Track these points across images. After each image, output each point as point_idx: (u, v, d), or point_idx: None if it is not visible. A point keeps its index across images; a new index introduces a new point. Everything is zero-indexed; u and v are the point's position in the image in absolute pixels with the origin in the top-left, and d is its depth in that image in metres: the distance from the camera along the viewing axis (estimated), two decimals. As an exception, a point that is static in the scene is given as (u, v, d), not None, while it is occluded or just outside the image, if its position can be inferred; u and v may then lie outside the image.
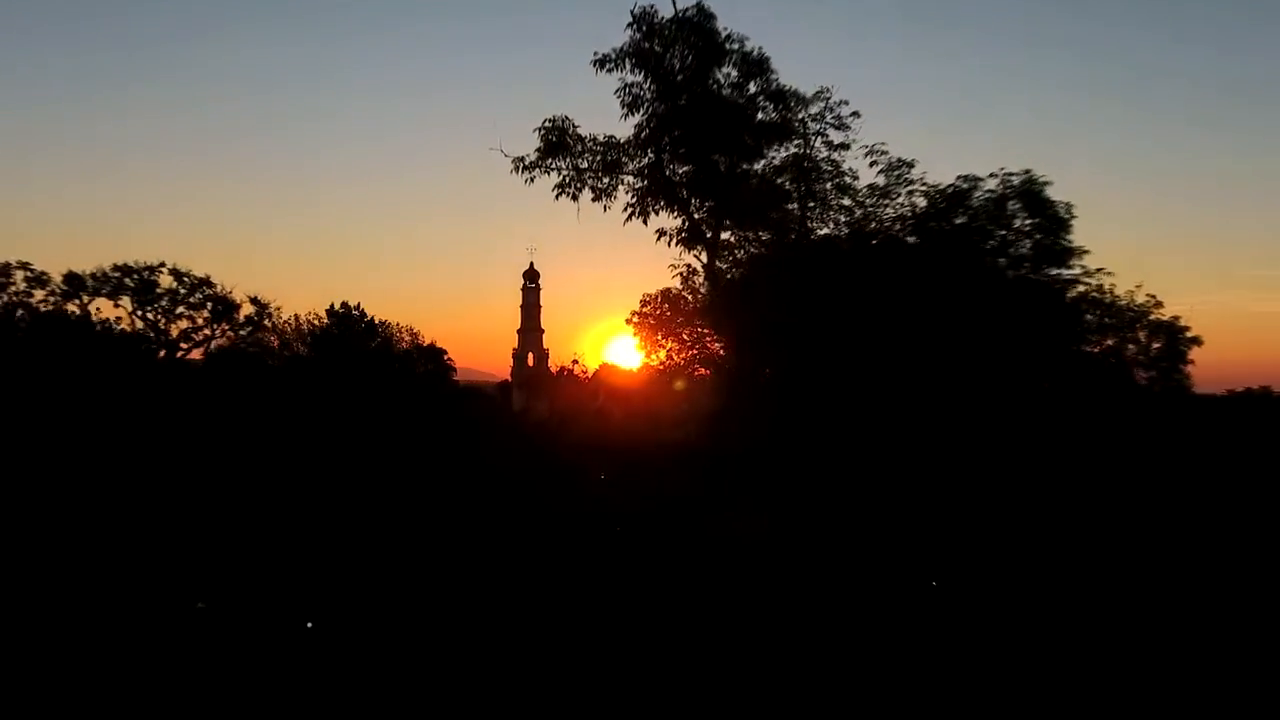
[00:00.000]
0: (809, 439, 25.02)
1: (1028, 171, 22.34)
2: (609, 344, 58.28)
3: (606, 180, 21.85)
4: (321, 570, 21.57)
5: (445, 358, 54.43)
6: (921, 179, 22.94)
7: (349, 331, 48.83)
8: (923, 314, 23.15)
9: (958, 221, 23.28)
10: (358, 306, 48.66)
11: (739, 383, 29.58)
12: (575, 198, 21.57)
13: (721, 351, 35.41)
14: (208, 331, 35.93)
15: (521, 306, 71.11)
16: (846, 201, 24.65)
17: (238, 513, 26.59)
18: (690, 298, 41.26)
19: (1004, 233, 22.99)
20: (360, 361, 46.95)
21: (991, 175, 22.83)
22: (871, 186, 23.20)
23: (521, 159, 21.47)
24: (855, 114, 23.02)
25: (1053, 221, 22.64)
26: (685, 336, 39.48)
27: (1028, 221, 22.87)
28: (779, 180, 22.34)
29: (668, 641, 16.74)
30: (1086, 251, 22.53)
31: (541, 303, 71.17)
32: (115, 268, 34.03)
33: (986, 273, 23.75)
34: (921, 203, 23.23)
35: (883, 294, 23.59)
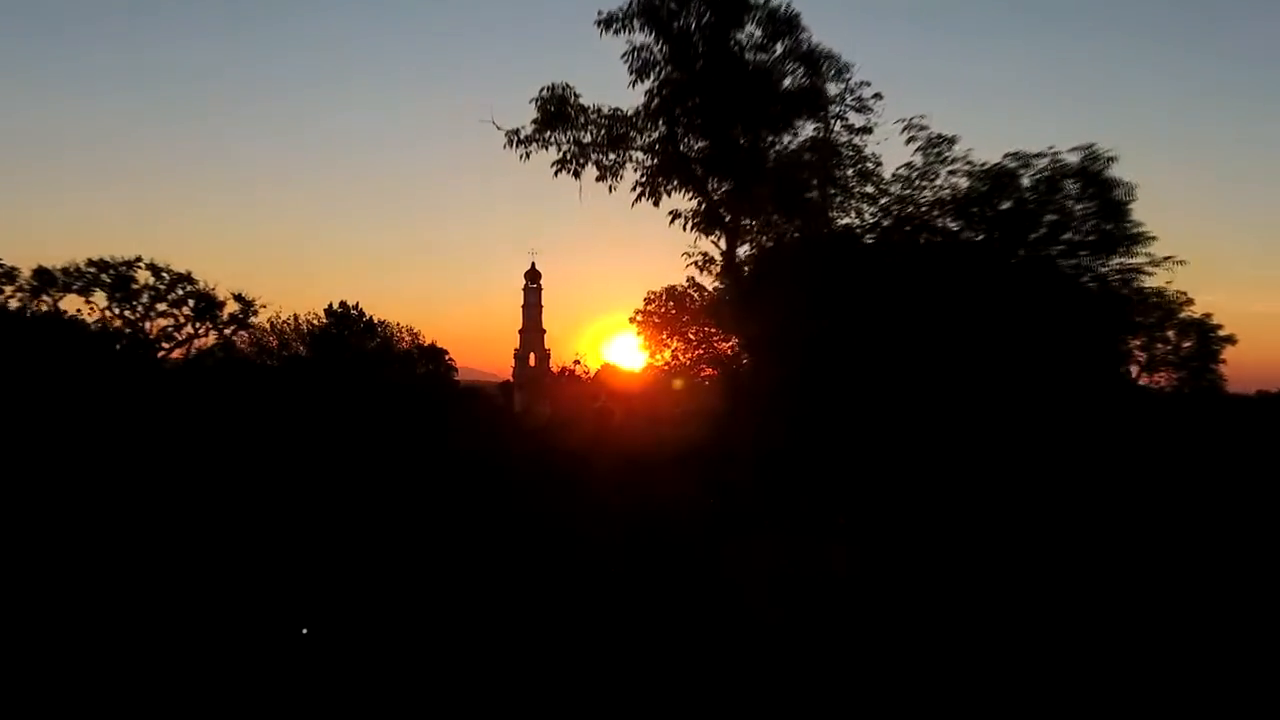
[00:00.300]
0: (835, 446, 21.52)
1: (1090, 146, 18.71)
2: (612, 340, 55.83)
3: (613, 156, 18.17)
4: (316, 575, 20.53)
5: (446, 358, 52.11)
6: (965, 157, 19.37)
7: (348, 331, 46.59)
8: (961, 310, 19.73)
9: (1004, 206, 19.79)
10: (356, 306, 46.29)
11: (753, 384, 26.14)
12: (577, 174, 17.87)
13: (730, 351, 32.39)
14: (190, 330, 32.44)
15: (523, 307, 68.08)
16: (870, 189, 21.23)
17: (228, 517, 24.54)
18: (696, 296, 37.87)
19: (1054, 217, 19.45)
20: (359, 361, 44.63)
21: (1039, 155, 19.31)
22: (908, 166, 19.62)
23: (516, 132, 17.79)
24: (877, 96, 19.52)
25: (1108, 205, 19.10)
26: (691, 336, 36.26)
27: (1079, 206, 19.34)
28: (806, 157, 18.72)
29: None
30: (1152, 238, 18.92)
31: (543, 303, 68.11)
32: (90, 263, 30.59)
33: (1033, 264, 20.28)
34: (964, 184, 19.69)
35: (916, 287, 20.19)
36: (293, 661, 16.07)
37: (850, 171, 20.86)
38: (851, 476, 21.56)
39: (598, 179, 18.59)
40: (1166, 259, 18.95)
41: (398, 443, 35.01)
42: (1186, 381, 32.53)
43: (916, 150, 19.47)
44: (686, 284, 36.73)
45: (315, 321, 44.35)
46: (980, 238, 20.04)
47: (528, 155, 17.98)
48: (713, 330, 35.57)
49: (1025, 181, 19.16)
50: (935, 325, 19.89)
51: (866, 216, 21.74)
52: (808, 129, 19.28)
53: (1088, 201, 19.02)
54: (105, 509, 24.08)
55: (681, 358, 36.19)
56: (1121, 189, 18.86)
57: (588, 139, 18.02)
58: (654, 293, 36.38)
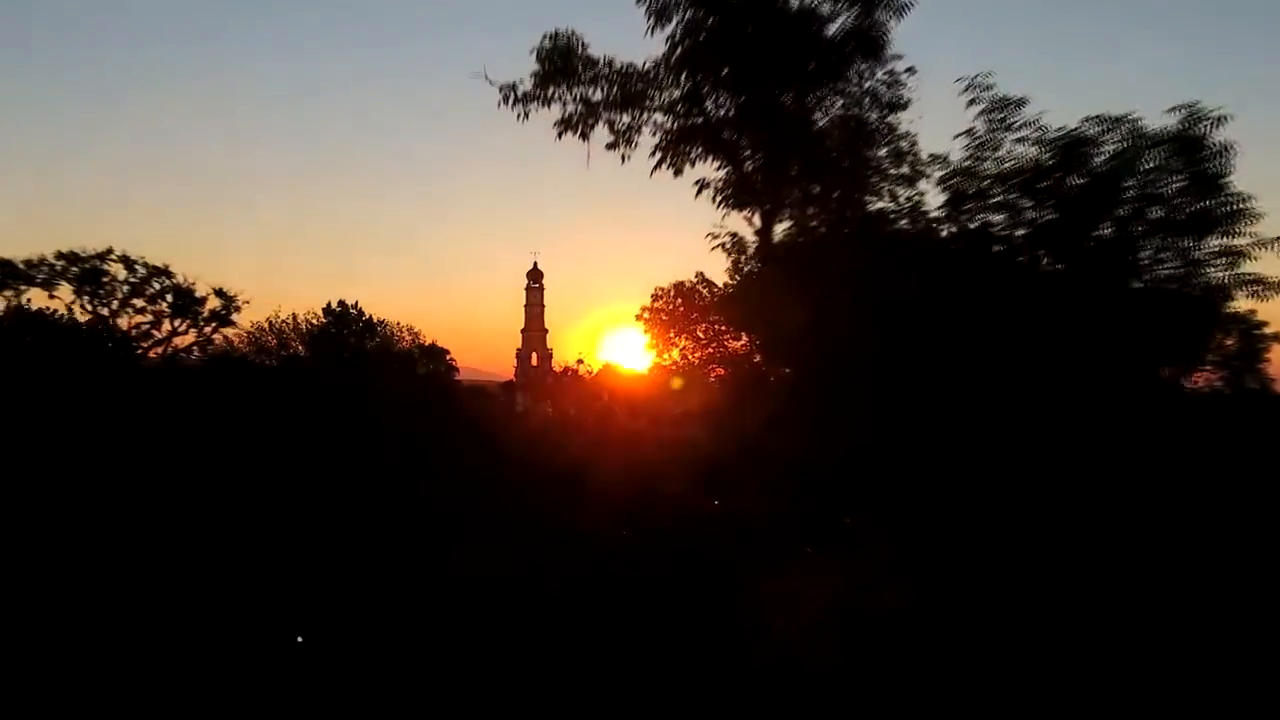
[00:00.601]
0: (864, 450, 17.78)
1: (1193, 105, 14.85)
2: (617, 337, 52.91)
3: (626, 118, 14.43)
4: (310, 582, 18.76)
5: (448, 357, 48.98)
6: (1036, 121, 15.56)
7: (346, 330, 43.25)
8: (1017, 307, 16.05)
9: (1079, 180, 16.06)
10: (355, 305, 42.92)
11: (772, 384, 22.52)
12: (585, 135, 14.05)
13: (742, 350, 28.77)
14: (169, 327, 28.65)
15: (525, 306, 64.64)
16: (905, 170, 17.59)
17: (217, 521, 21.25)
18: (706, 292, 34.27)
19: (1139, 191, 15.69)
20: (358, 361, 41.36)
21: (1123, 119, 15.53)
22: (969, 133, 15.86)
23: (513, 87, 14.01)
24: (910, 70, 15.87)
25: (1203, 176, 15.35)
26: (701, 334, 32.67)
27: (1171, 178, 15.56)
28: (863, 116, 14.93)
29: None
30: (1259, 214, 15.05)
31: (545, 302, 64.60)
32: (59, 255, 26.82)
33: (1109, 249, 16.58)
34: (1034, 154, 15.92)
35: (969, 279, 16.54)
36: (288, 671, 14.63)
37: (884, 151, 17.26)
38: (879, 482, 17.87)
39: (609, 146, 14.78)
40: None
41: (395, 443, 32.43)
42: (1229, 382, 28.93)
43: (979, 115, 15.78)
44: (696, 279, 33.14)
45: (314, 321, 41.50)
46: (1051, 217, 16.34)
47: (526, 115, 14.16)
48: (723, 328, 31.98)
49: (1111, 149, 15.41)
50: (986, 322, 16.24)
51: (901, 200, 18.19)
52: (874, 73, 15.58)
53: (1181, 173, 15.28)
54: (94, 513, 20.81)
55: (690, 357, 32.59)
56: (1219, 157, 15.07)
57: (597, 97, 14.22)
58: (662, 289, 32.75)
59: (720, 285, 32.29)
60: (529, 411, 54.21)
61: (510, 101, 13.99)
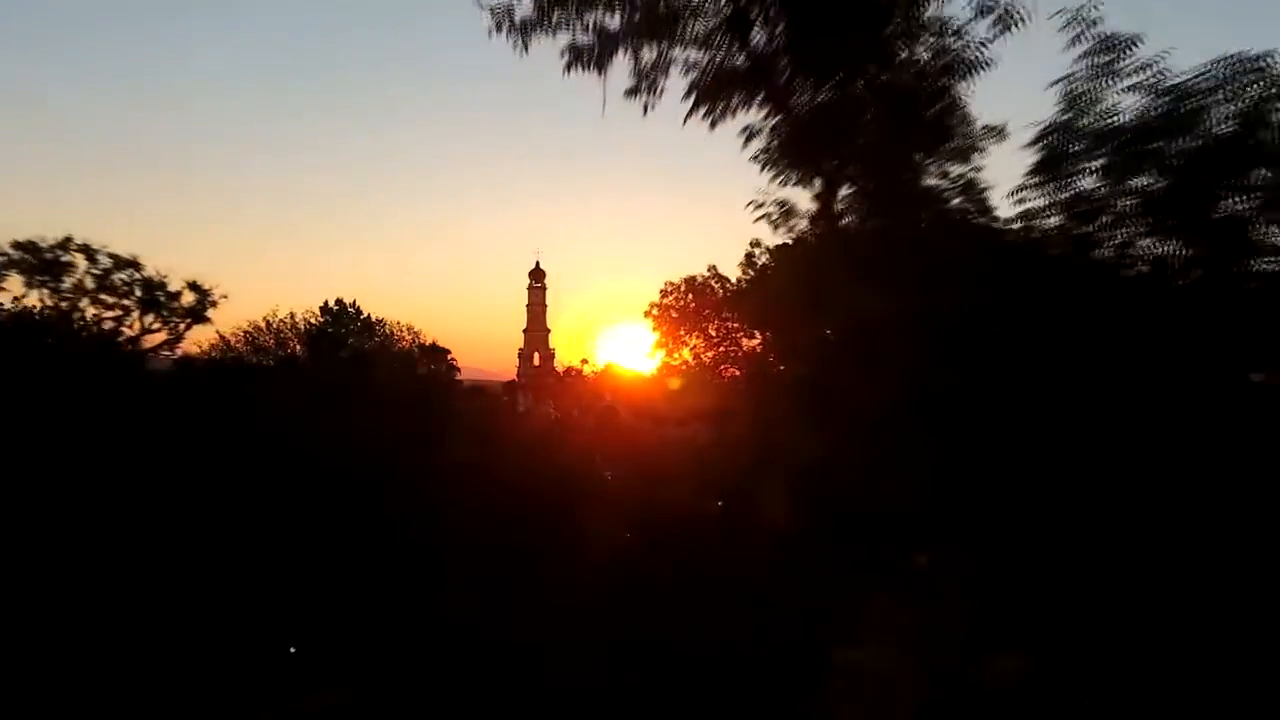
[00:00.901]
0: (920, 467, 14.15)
1: None
2: (620, 333, 50.46)
3: (652, 54, 10.81)
4: (304, 589, 18.36)
5: (449, 357, 46.38)
6: (1155, 64, 11.92)
7: (344, 330, 40.48)
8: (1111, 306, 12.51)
9: (1194, 141, 12.49)
10: (353, 304, 40.20)
11: (795, 388, 18.94)
12: (601, 69, 10.42)
13: (757, 349, 25.65)
14: (139, 324, 24.99)
15: (527, 306, 61.48)
16: (957, 142, 14.03)
17: (210, 526, 20.81)
18: (718, 287, 30.78)
19: (1271, 150, 12.10)
20: (355, 360, 38.65)
21: (1256, 64, 11.94)
22: (1067, 79, 12.22)
23: (509, 10, 10.40)
24: (957, 34, 12.29)
25: None
26: (712, 332, 29.26)
27: None
28: (962, 57, 11.28)
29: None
30: None
31: (547, 301, 61.34)
32: (16, 245, 23.11)
33: (1236, 226, 13.01)
34: (1148, 105, 12.29)
35: (1049, 267, 13.05)
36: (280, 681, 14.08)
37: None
38: (928, 504, 14.23)
39: (628, 92, 11.10)
40: None
41: (393, 444, 29.76)
42: None
43: (1081, 58, 12.16)
44: (709, 273, 29.76)
45: (312, 320, 38.96)
46: (1164, 184, 12.74)
47: (526, 47, 10.46)
48: (736, 326, 28.64)
49: (1246, 99, 11.79)
50: (1071, 317, 12.65)
51: (953, 176, 14.64)
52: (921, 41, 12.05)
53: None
54: (82, 517, 19.94)
55: (702, 356, 29.18)
56: None
57: (615, 25, 10.55)
58: (672, 284, 29.38)
59: (734, 280, 28.84)
60: (531, 412, 51.33)
61: (505, 29, 10.28)
